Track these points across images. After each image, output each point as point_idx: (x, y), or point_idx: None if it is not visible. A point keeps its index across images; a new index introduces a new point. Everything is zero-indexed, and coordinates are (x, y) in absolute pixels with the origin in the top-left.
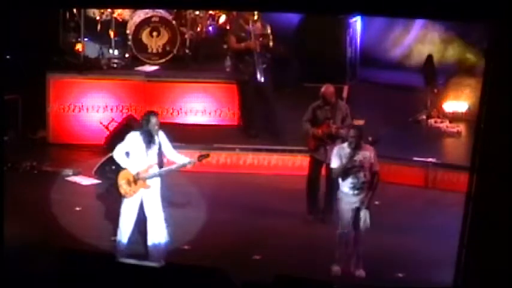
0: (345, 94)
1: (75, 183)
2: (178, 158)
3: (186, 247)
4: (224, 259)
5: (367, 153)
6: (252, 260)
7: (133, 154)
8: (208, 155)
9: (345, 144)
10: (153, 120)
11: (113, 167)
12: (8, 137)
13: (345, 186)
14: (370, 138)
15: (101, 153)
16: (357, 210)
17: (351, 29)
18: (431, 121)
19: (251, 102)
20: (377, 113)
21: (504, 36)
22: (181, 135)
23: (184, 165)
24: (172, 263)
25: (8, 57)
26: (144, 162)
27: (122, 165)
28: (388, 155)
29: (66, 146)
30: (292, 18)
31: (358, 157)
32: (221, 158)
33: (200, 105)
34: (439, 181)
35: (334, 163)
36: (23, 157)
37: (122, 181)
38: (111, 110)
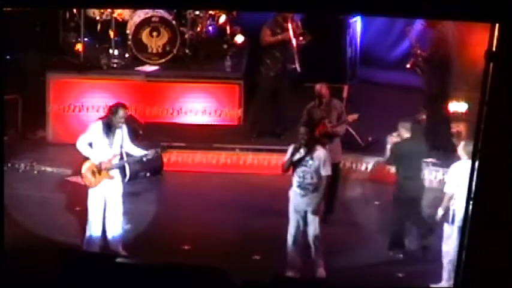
0: (345, 94)
1: (75, 183)
2: (137, 151)
3: (186, 247)
4: (224, 259)
5: (318, 155)
6: (251, 260)
7: (97, 144)
8: (167, 148)
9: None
10: (121, 112)
11: None
12: (8, 137)
13: (294, 184)
14: (370, 139)
15: None
16: (305, 215)
17: (351, 29)
18: None
19: (266, 101)
20: (377, 113)
21: (504, 37)
22: (181, 135)
23: (145, 156)
24: (172, 263)
25: (8, 57)
26: (107, 153)
27: (85, 154)
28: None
29: (66, 146)
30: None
31: (308, 156)
32: (221, 158)
33: (200, 105)
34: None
35: (286, 157)
36: (23, 157)
37: (86, 172)
38: None
